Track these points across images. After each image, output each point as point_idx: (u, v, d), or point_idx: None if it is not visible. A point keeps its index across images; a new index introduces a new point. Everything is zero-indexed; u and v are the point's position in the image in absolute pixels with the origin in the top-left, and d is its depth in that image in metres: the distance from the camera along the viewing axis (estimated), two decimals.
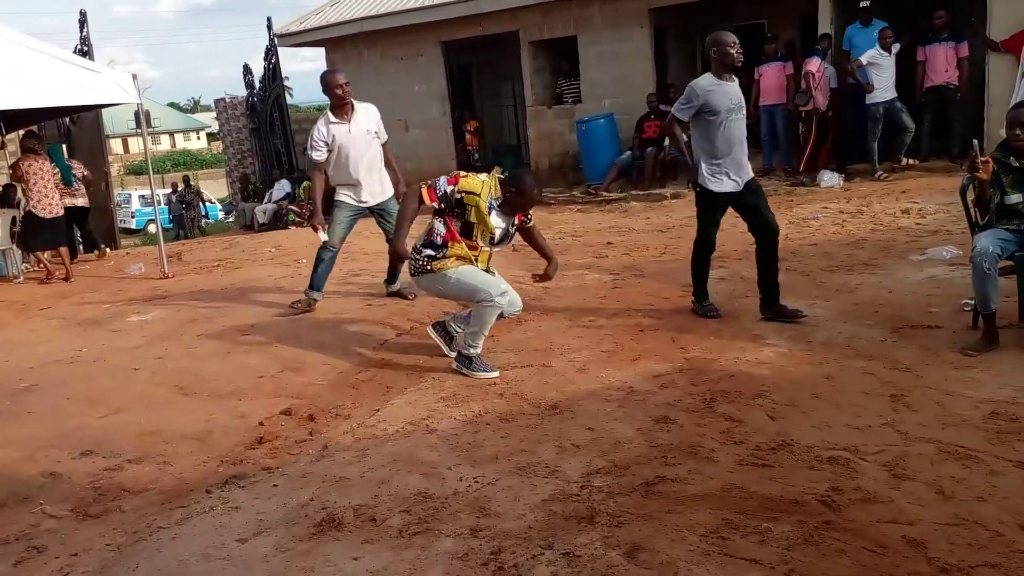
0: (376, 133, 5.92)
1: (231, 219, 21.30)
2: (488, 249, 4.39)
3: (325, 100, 6.05)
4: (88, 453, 3.71)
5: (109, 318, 6.45)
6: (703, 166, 4.87)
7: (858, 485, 2.79)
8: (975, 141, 4.15)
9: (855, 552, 2.38)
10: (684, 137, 5.06)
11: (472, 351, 4.33)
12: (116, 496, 3.28)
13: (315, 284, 5.97)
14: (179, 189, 19.59)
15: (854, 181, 9.78)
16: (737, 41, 4.75)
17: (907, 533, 2.46)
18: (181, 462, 3.57)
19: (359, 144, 5.81)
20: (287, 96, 18.21)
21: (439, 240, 4.28)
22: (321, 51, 15.34)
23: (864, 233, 7.15)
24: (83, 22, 13.05)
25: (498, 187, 4.28)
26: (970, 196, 4.38)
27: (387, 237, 5.77)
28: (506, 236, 4.43)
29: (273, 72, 16.20)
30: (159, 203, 15.24)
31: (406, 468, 3.25)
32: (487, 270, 4.41)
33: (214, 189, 30.28)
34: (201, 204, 19.99)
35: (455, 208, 4.21)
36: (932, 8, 9.82)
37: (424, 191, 4.21)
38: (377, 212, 5.98)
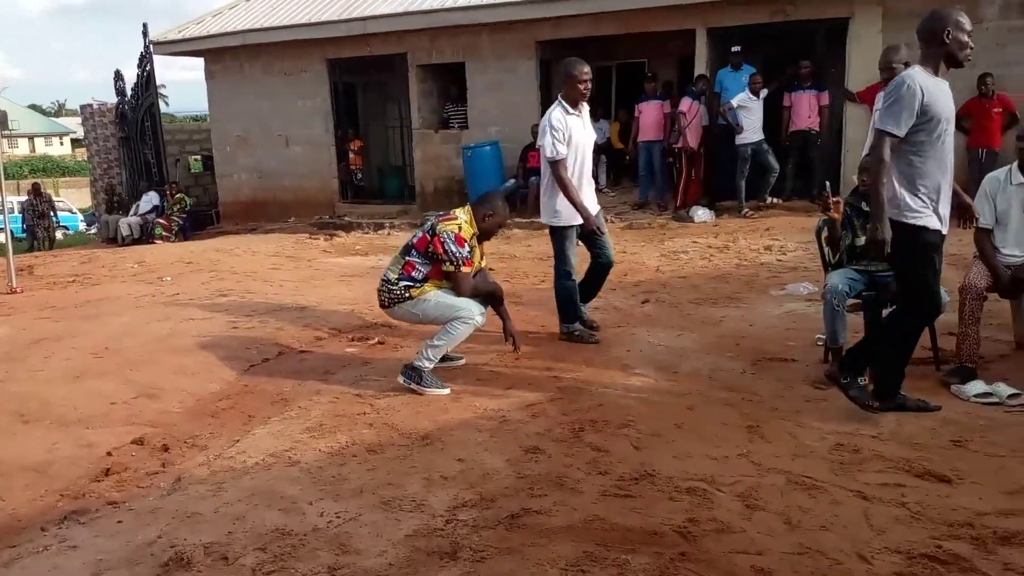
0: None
1: (93, 231, 20.06)
2: None
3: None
4: None
5: None
6: (905, 197, 3.56)
7: (713, 516, 2.88)
8: (827, 183, 4.43)
9: None
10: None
11: (426, 364, 4.33)
12: None
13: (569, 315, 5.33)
14: (30, 197, 18.18)
15: (723, 217, 10.26)
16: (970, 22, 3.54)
17: (756, 563, 2.55)
18: (15, 497, 3.30)
19: (588, 145, 5.19)
20: (162, 105, 17.45)
21: (419, 275, 4.39)
22: (201, 60, 14.78)
23: (730, 268, 7.49)
24: None
25: (474, 220, 4.43)
26: (824, 236, 4.66)
27: (595, 253, 5.34)
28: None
29: (147, 80, 15.47)
30: (11, 211, 14.21)
31: (264, 503, 3.11)
32: None
33: (77, 198, 28.59)
34: (52, 214, 18.49)
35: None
36: (798, 58, 10.53)
37: (466, 268, 4.33)
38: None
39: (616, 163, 13.12)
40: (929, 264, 3.60)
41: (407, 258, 4.42)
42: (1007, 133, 8.84)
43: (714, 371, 4.57)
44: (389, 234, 11.51)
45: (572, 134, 4.99)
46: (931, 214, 3.57)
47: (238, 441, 3.79)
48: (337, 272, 8.42)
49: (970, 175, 8.99)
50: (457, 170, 12.68)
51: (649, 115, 11.03)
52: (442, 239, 4.28)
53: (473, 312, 4.35)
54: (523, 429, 3.80)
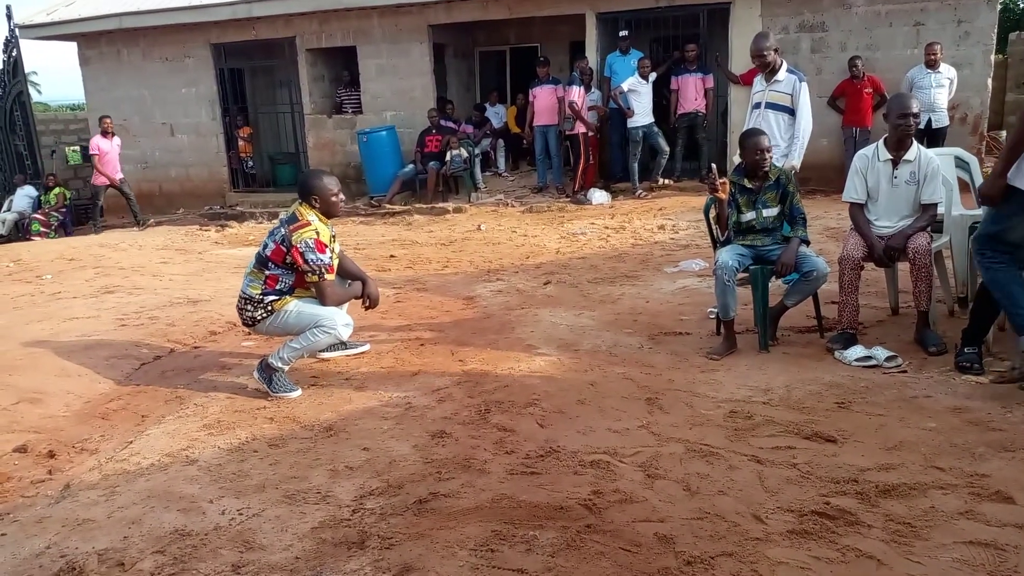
0: None
1: None
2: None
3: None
4: None
5: None
6: None
7: (617, 487, 2.96)
8: (713, 165, 4.59)
9: (613, 553, 2.51)
10: None
11: (281, 364, 4.15)
12: None
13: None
14: None
15: (617, 199, 10.50)
16: None
17: (658, 530, 2.64)
18: None
19: None
20: (34, 93, 16.36)
21: (285, 287, 4.19)
22: (74, 45, 13.93)
23: (626, 247, 7.68)
24: None
25: (319, 215, 4.21)
26: (712, 215, 4.84)
27: None
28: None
29: (14, 66, 14.47)
30: None
31: (161, 504, 3.00)
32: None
33: None
34: None
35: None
36: (683, 42, 10.84)
37: (329, 276, 4.16)
38: None
39: (514, 147, 13.20)
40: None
41: (267, 272, 4.17)
42: (877, 112, 9.37)
43: (613, 347, 4.68)
44: None
45: None
46: None
47: (131, 443, 3.63)
48: (230, 264, 8.15)
49: (845, 153, 9.50)
50: (353, 156, 12.47)
51: (543, 99, 11.12)
52: (300, 249, 4.06)
53: (336, 322, 4.16)
54: (429, 414, 3.79)
